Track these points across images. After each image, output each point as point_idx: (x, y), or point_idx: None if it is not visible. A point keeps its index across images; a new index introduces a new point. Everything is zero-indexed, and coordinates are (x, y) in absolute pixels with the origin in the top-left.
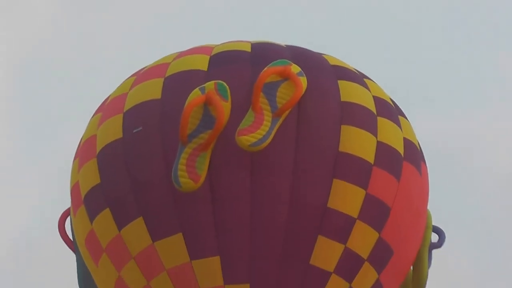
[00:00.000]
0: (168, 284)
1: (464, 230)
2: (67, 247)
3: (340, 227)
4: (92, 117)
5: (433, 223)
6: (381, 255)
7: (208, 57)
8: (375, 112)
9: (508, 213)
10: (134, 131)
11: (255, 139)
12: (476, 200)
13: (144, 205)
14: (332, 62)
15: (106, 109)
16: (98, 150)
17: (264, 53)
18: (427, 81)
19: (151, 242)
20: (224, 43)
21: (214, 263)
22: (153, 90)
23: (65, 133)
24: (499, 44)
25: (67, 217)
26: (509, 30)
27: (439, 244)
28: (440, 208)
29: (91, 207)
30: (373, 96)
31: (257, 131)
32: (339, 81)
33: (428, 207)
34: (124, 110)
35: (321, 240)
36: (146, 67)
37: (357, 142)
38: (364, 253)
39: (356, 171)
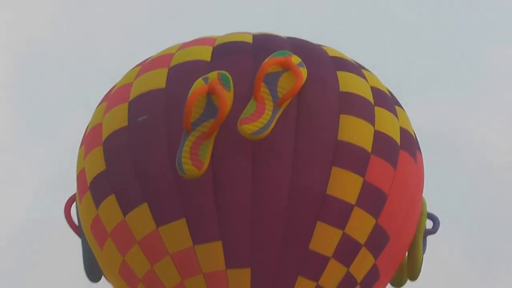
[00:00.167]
0: (171, 268)
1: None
2: (72, 231)
3: (339, 214)
4: (98, 105)
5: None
6: (378, 241)
7: (211, 48)
8: (372, 102)
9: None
10: (139, 119)
11: (257, 128)
12: (462, 179)
13: (148, 191)
14: (331, 54)
15: (111, 98)
16: (104, 137)
17: (265, 44)
18: (421, 71)
19: (155, 227)
20: (226, 34)
21: (216, 248)
22: (158, 79)
23: (65, 123)
24: (486, 37)
25: (72, 203)
26: (495, 26)
27: (433, 231)
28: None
29: (97, 193)
30: (371, 87)
31: (258, 120)
32: (338, 72)
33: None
34: (130, 99)
35: (320, 226)
36: (150, 57)
37: (356, 131)
38: (362, 238)
39: (354, 159)
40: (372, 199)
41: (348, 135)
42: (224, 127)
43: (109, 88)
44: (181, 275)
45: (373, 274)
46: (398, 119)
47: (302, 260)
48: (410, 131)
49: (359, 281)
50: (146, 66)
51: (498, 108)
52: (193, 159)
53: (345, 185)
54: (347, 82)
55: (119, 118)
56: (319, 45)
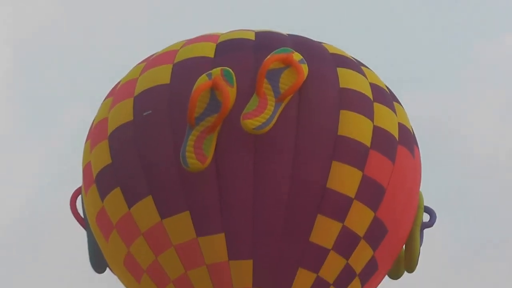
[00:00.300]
0: (175, 260)
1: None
2: (78, 223)
3: (338, 207)
4: (104, 100)
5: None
6: (376, 233)
7: (214, 45)
8: (371, 98)
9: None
10: (144, 114)
11: (259, 123)
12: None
13: (153, 184)
14: (331, 51)
15: (117, 93)
16: (109, 132)
17: (267, 41)
18: (415, 64)
19: (159, 219)
20: (229, 31)
21: (219, 240)
22: (163, 75)
23: (65, 118)
24: (474, 32)
25: (78, 196)
26: (481, 22)
27: (430, 224)
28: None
29: (102, 186)
30: (370, 83)
31: (261, 115)
32: (338, 69)
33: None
34: (135, 94)
35: (320, 219)
36: (155, 53)
37: (355, 126)
38: (361, 231)
39: (353, 153)
40: (371, 192)
41: (348, 130)
42: (227, 121)
43: (107, 82)
44: (184, 266)
45: (372, 266)
46: (396, 114)
47: (303, 252)
48: (408, 127)
49: (358, 272)
50: (151, 62)
51: (487, 100)
52: (197, 153)
53: (344, 179)
54: (347, 78)
55: (125, 113)
56: (320, 43)
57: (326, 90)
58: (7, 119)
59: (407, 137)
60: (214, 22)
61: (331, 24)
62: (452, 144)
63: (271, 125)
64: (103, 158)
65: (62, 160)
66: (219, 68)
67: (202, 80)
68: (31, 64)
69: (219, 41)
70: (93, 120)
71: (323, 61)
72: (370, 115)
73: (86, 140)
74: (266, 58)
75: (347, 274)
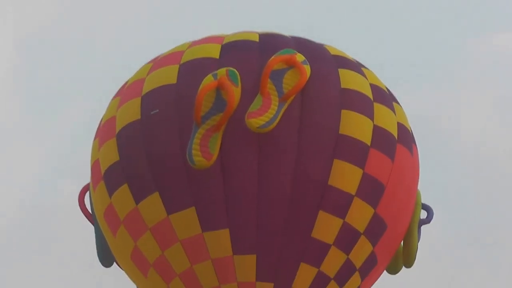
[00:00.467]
0: (181, 254)
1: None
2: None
3: (340, 203)
4: (112, 100)
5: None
6: (376, 229)
7: (219, 46)
8: (372, 98)
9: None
10: (152, 113)
11: (263, 122)
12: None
13: (160, 181)
14: (332, 52)
15: (125, 93)
16: (117, 130)
17: (271, 43)
18: (413, 62)
19: (166, 215)
20: (234, 33)
21: (224, 235)
22: (169, 75)
23: (67, 107)
24: (465, 31)
25: (86, 192)
26: (471, 21)
27: (427, 220)
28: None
29: (110, 183)
30: (370, 84)
31: (265, 114)
32: (339, 70)
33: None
34: (142, 94)
35: (322, 215)
36: (162, 54)
37: (356, 126)
38: (361, 227)
39: (354, 152)
40: (371, 190)
41: (349, 129)
42: (232, 120)
43: (108, 80)
44: (190, 261)
45: (371, 261)
46: (395, 114)
47: (305, 247)
48: (407, 126)
49: (358, 267)
50: (158, 62)
51: (480, 97)
52: (202, 151)
53: (345, 176)
54: (348, 79)
55: (132, 111)
56: (321, 44)
57: (328, 90)
58: (10, 115)
59: (406, 136)
60: (217, 24)
61: (329, 26)
62: (447, 143)
63: (274, 124)
64: (111, 155)
65: (63, 155)
66: (224, 69)
67: (208, 80)
68: (33, 61)
69: (224, 42)
70: (101, 119)
71: (325, 62)
72: (370, 114)
73: (95, 138)
74: (270, 59)
75: (348, 269)
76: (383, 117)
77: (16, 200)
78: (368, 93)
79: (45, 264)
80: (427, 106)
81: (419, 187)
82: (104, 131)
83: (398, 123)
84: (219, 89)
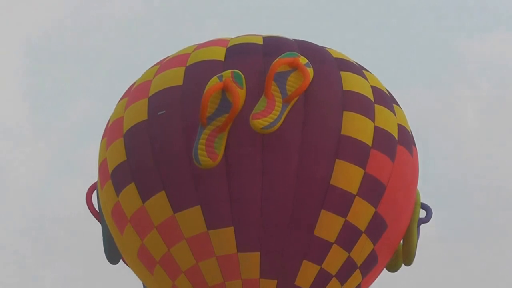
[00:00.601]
0: (187, 251)
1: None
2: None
3: (341, 203)
4: (119, 101)
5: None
6: (376, 228)
7: (224, 49)
8: (373, 100)
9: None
10: (158, 113)
11: (267, 123)
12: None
13: (166, 180)
14: (335, 55)
15: (132, 94)
16: (125, 130)
17: (275, 45)
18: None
19: (172, 213)
20: (238, 36)
21: (228, 233)
22: (176, 77)
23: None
24: (457, 32)
25: (93, 191)
26: (462, 22)
27: (426, 220)
28: None
29: (118, 182)
30: (371, 86)
31: (269, 115)
32: (341, 72)
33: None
34: (149, 95)
35: (324, 214)
36: (168, 57)
37: (357, 127)
38: (362, 226)
39: (356, 152)
40: (372, 189)
41: (350, 130)
42: (237, 121)
43: (112, 80)
44: (195, 258)
45: (372, 259)
46: (395, 116)
47: (307, 245)
48: (407, 127)
49: (359, 265)
50: (164, 65)
51: (471, 96)
52: (208, 151)
53: (347, 176)
54: (350, 81)
55: (140, 112)
56: (323, 47)
57: (330, 92)
58: (19, 114)
59: (405, 137)
60: (221, 27)
61: (326, 29)
62: (442, 143)
63: (278, 124)
64: (119, 155)
65: (69, 153)
66: (229, 71)
67: (214, 82)
68: (41, 62)
69: (229, 45)
70: (109, 119)
71: (327, 64)
72: (371, 116)
73: (102, 138)
74: (274, 62)
75: (349, 266)
76: (384, 118)
77: (22, 199)
78: (369, 95)
79: (52, 262)
80: (421, 107)
81: (418, 187)
82: (112, 131)
83: (398, 124)
84: (224, 90)
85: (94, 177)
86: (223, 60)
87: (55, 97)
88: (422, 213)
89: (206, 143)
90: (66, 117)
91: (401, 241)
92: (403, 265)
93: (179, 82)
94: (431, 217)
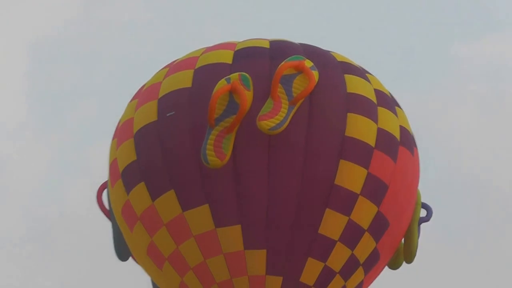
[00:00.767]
0: (195, 249)
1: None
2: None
3: (345, 202)
4: (129, 102)
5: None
6: (379, 227)
7: (232, 52)
8: (376, 102)
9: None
10: (168, 115)
11: (274, 124)
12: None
13: (175, 179)
14: (339, 59)
15: (142, 96)
16: (135, 131)
17: (281, 49)
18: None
19: (181, 211)
20: (245, 40)
21: (235, 230)
22: (185, 79)
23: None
24: (451, 35)
25: (103, 190)
26: (457, 26)
27: (427, 219)
28: None
29: (128, 181)
30: (374, 89)
31: (275, 117)
32: (345, 75)
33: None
34: (159, 97)
35: (328, 212)
36: (177, 60)
37: (361, 128)
38: (365, 224)
39: (359, 153)
40: (375, 189)
41: (354, 131)
42: (244, 122)
43: (116, 80)
44: (203, 255)
45: (374, 256)
46: (398, 118)
47: (312, 243)
48: (408, 129)
49: (361, 262)
50: (174, 67)
51: (465, 99)
52: (216, 151)
53: (351, 176)
54: (354, 84)
55: (149, 113)
56: (328, 51)
57: (334, 94)
58: (23, 113)
59: (407, 139)
60: (228, 31)
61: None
62: (442, 143)
63: (284, 126)
64: (129, 155)
65: (74, 153)
66: (237, 73)
67: (221, 84)
68: (46, 63)
69: (236, 48)
70: (119, 120)
71: (331, 68)
72: (374, 118)
73: (113, 138)
74: (280, 65)
75: (352, 263)
76: (387, 120)
77: (29, 198)
78: (372, 97)
79: (58, 259)
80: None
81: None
82: (122, 132)
83: (400, 126)
84: (232, 92)
85: (96, 177)
86: (230, 63)
87: (58, 99)
88: (423, 213)
89: (214, 143)
90: (69, 118)
91: (402, 240)
92: (404, 263)
93: (188, 84)
94: (431, 216)
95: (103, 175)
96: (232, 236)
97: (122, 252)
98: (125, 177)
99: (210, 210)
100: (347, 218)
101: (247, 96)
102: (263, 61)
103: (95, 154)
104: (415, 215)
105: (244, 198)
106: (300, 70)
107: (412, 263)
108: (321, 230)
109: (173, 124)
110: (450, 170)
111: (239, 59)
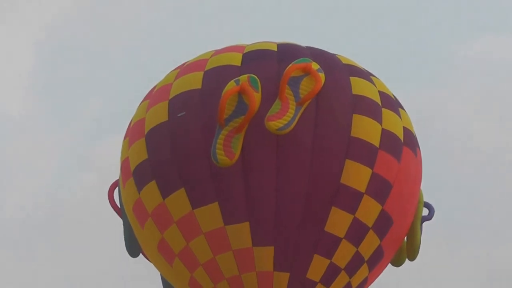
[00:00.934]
0: (204, 245)
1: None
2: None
3: (351, 200)
4: (141, 103)
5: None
6: (383, 225)
7: (241, 55)
8: (380, 104)
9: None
10: (179, 115)
11: (282, 124)
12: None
13: (185, 178)
14: (344, 61)
15: (153, 97)
16: (146, 131)
17: (288, 52)
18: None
19: (191, 209)
20: (254, 43)
21: (244, 228)
22: (195, 81)
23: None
24: (451, 35)
25: (115, 188)
26: (456, 26)
27: (429, 217)
28: None
29: (139, 179)
30: (379, 91)
31: (283, 117)
32: (350, 78)
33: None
34: (170, 98)
35: (334, 211)
36: (187, 62)
37: (366, 129)
38: (370, 222)
39: (364, 153)
40: (379, 188)
41: (359, 132)
42: (253, 123)
43: (121, 79)
44: (213, 251)
45: (378, 254)
46: (401, 119)
47: (318, 240)
48: (411, 130)
49: (366, 259)
50: (184, 69)
51: (467, 97)
52: (226, 150)
53: (356, 175)
54: (359, 86)
55: (161, 114)
56: (334, 54)
57: (340, 96)
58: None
59: (410, 139)
60: (236, 34)
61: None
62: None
63: (292, 126)
64: (140, 154)
65: (82, 149)
66: (246, 75)
67: (231, 86)
68: (52, 60)
69: (245, 51)
70: (131, 120)
71: (337, 70)
72: (379, 119)
73: (124, 138)
74: (288, 67)
75: (357, 260)
76: (391, 121)
77: (39, 193)
78: (377, 99)
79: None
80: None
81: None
82: (134, 131)
83: (404, 127)
84: (241, 94)
85: (103, 174)
86: (239, 65)
87: (65, 95)
88: (425, 212)
89: (223, 143)
90: (77, 115)
91: (405, 238)
92: (407, 260)
93: (198, 85)
94: (433, 215)
95: (109, 172)
96: (240, 233)
97: (133, 249)
98: (137, 176)
99: (219, 208)
100: (352, 216)
101: (255, 97)
102: (271, 64)
103: (101, 151)
104: (418, 214)
105: (253, 196)
106: (307, 72)
107: (415, 260)
108: (327, 228)
109: (184, 124)
110: (450, 170)
111: (247, 62)
